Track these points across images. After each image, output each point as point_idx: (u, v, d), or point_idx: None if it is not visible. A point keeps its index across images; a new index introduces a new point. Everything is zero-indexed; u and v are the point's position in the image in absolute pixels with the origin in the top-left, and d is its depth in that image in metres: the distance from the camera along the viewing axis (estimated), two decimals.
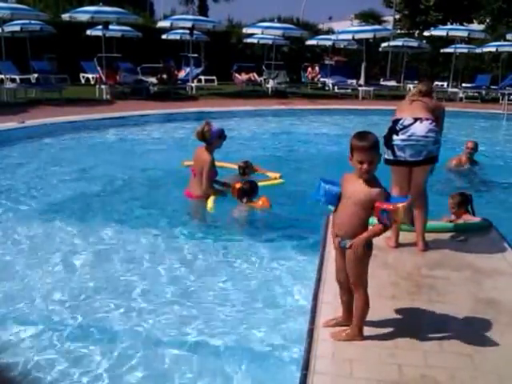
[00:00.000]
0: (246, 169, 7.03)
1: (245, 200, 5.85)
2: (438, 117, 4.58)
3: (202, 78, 22.54)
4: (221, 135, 6.14)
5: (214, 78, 23.14)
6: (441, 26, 24.54)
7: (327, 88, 23.86)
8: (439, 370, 2.85)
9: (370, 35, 21.32)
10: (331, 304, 3.48)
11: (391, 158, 4.49)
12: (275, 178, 7.15)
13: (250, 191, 5.90)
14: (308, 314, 3.44)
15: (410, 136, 4.35)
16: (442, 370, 2.85)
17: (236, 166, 7.16)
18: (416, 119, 4.40)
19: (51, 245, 5.03)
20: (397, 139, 4.40)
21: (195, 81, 20.77)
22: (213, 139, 6.07)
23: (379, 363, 2.91)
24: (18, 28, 18.33)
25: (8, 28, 18.02)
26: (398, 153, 4.42)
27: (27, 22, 18.01)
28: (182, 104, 15.94)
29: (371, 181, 2.90)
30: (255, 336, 3.53)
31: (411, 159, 4.42)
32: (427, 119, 4.41)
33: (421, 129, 4.35)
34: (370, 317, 3.18)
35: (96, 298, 4.00)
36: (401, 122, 4.42)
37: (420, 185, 4.62)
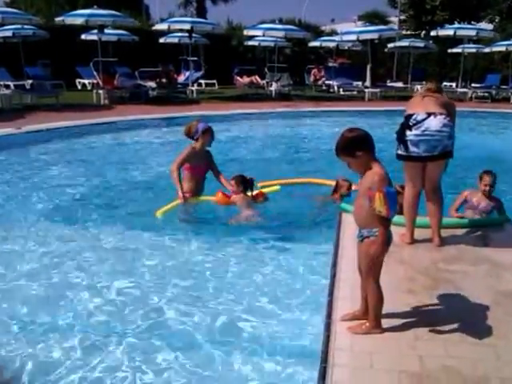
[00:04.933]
0: (342, 188, 6.23)
1: (241, 189, 6.01)
2: (450, 113, 4.50)
3: (203, 81, 22.23)
4: (205, 131, 6.18)
5: (215, 81, 22.99)
6: (448, 26, 24.14)
7: (332, 90, 23.61)
8: (461, 360, 2.81)
9: (375, 35, 20.82)
10: (347, 299, 3.46)
11: (404, 153, 4.43)
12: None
13: (246, 182, 6.06)
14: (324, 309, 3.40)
15: (423, 131, 4.29)
16: (464, 360, 2.81)
17: (332, 183, 6.45)
18: (429, 114, 4.33)
19: (50, 248, 4.99)
20: (410, 134, 4.33)
21: (195, 85, 20.47)
22: (197, 135, 6.17)
23: (399, 355, 2.88)
24: (9, 33, 17.91)
25: None
26: (412, 148, 4.35)
27: (19, 26, 17.55)
28: (183, 108, 15.64)
29: (368, 170, 2.95)
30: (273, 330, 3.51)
31: (425, 154, 4.35)
32: (441, 114, 4.35)
33: (435, 123, 4.29)
34: (387, 310, 3.14)
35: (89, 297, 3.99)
36: (414, 117, 4.35)
37: (435, 180, 4.55)
